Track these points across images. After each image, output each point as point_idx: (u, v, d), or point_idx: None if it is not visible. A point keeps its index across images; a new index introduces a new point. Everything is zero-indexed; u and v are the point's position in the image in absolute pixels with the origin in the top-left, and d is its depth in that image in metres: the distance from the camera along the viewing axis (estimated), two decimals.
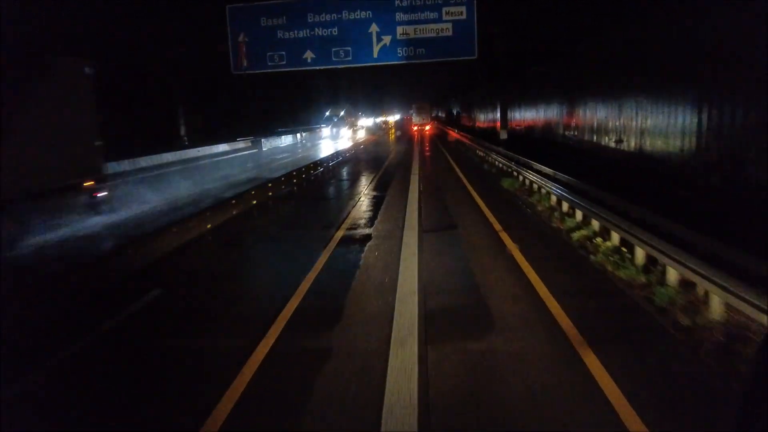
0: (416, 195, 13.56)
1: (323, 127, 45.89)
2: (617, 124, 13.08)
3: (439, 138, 44.52)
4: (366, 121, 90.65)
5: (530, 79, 23.52)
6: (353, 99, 58.69)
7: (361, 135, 46.99)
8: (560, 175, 11.39)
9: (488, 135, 32.60)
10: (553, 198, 10.80)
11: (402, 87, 73.63)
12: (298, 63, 17.24)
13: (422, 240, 8.67)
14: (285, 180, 15.88)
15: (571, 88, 17.68)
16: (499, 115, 23.23)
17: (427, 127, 52.43)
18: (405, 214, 10.89)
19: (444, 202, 12.84)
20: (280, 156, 31.33)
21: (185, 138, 31.67)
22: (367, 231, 9.76)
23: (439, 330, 5.06)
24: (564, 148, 17.96)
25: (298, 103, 52.00)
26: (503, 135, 21.85)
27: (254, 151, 34.69)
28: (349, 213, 11.76)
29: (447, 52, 16.80)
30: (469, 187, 14.92)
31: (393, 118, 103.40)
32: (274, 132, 42.40)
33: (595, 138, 15.02)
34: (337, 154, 25.16)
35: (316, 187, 17.54)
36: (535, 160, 14.14)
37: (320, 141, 44.83)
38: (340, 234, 9.54)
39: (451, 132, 48.05)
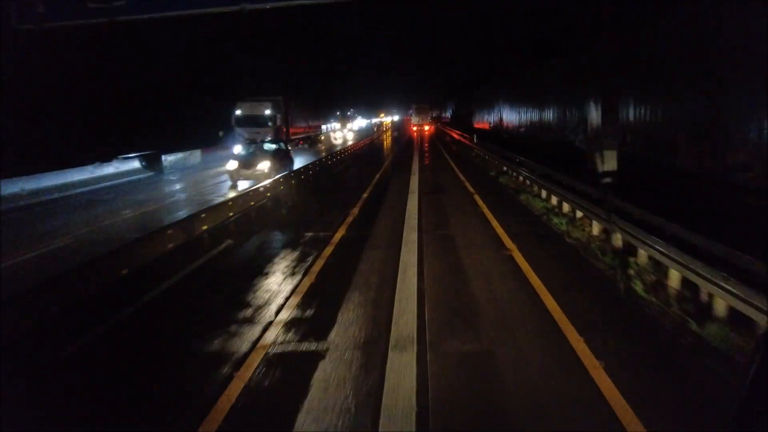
0: None
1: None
2: None
3: (446, 150, 31.03)
4: (361, 122, 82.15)
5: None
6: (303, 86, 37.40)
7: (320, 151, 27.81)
8: None
9: (532, 146, 20.44)
10: None
11: (400, 90, 65.30)
12: (149, 3, 7.95)
13: None
14: None
15: None
16: (600, 114, 9.64)
17: (426, 128, 53.83)
18: None
19: None
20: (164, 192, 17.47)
21: None
22: None
23: None
24: None
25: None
26: (610, 162, 9.96)
27: (149, 174, 22.26)
28: None
29: None
30: None
31: (391, 118, 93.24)
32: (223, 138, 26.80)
33: None
34: (262, 191, 12.27)
35: None
36: None
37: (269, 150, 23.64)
38: None
39: (458, 136, 36.11)
